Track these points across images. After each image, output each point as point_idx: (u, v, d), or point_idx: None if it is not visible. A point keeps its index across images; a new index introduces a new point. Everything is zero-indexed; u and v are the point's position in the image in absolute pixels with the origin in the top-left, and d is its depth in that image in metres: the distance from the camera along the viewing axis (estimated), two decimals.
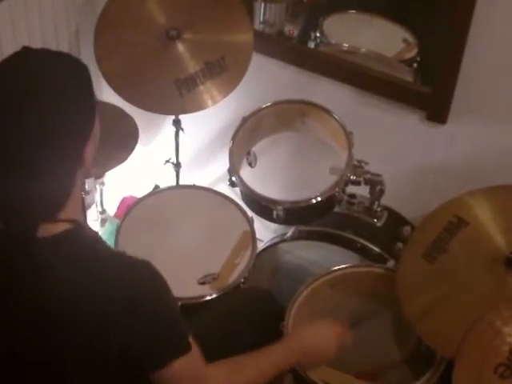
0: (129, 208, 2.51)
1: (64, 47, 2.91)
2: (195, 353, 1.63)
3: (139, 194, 2.62)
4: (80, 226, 1.57)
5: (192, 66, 2.52)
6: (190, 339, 1.62)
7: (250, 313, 2.19)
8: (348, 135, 2.36)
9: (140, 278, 1.56)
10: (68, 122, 1.48)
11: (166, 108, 2.59)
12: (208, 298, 2.24)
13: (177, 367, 1.59)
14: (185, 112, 2.61)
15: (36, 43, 2.77)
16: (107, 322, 1.51)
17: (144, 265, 1.58)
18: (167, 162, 2.92)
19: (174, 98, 2.51)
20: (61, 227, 1.53)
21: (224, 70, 2.52)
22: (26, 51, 1.54)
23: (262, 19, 2.86)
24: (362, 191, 2.49)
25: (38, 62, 1.52)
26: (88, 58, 2.41)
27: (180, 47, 2.52)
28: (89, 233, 1.63)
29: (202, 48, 2.53)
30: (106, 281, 1.52)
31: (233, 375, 1.75)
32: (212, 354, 1.78)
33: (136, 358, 1.56)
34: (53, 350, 1.55)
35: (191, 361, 1.62)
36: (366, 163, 2.39)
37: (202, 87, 2.52)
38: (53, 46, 2.83)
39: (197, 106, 2.55)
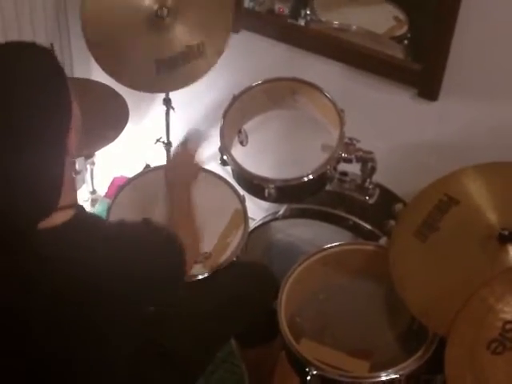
0: (120, 188, 2.49)
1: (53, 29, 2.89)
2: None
3: (130, 174, 2.60)
4: (79, 210, 1.57)
5: (174, 48, 2.51)
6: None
7: (247, 285, 2.21)
8: (339, 113, 2.35)
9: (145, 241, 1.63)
10: (44, 115, 1.45)
11: (144, 85, 2.58)
12: (200, 277, 2.24)
13: None
14: (162, 91, 2.65)
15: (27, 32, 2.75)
16: (126, 298, 1.55)
17: (147, 227, 1.68)
18: (158, 141, 2.91)
19: (152, 75, 2.51)
20: (62, 216, 1.52)
21: (201, 55, 2.52)
22: None
23: None
24: (354, 169, 2.49)
25: (2, 59, 1.48)
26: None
27: (167, 27, 2.51)
28: (87, 213, 1.63)
29: (185, 31, 2.52)
30: (114, 256, 1.54)
31: None
32: (205, 327, 1.82)
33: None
34: (75, 337, 1.55)
35: None
36: (358, 141, 2.38)
37: (180, 68, 2.52)
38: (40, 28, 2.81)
39: (173, 86, 2.58)
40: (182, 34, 2.52)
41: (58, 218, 1.51)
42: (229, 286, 2.19)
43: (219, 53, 2.53)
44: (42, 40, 2.68)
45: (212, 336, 2.06)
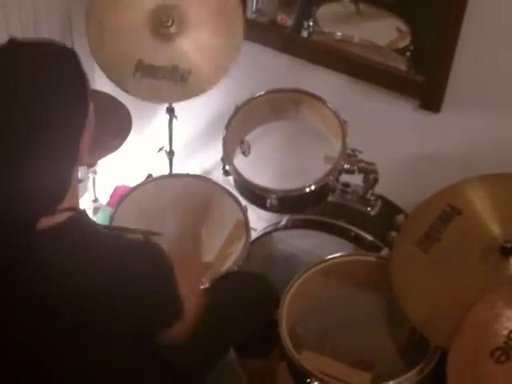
0: (122, 197, 2.50)
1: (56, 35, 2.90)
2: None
3: (132, 183, 2.61)
4: (79, 214, 1.55)
5: (161, 60, 2.51)
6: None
7: (245, 298, 2.20)
8: (342, 124, 2.35)
9: (140, 261, 1.59)
10: (59, 113, 1.44)
11: (119, 79, 2.56)
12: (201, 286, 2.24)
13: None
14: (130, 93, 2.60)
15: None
16: (113, 308, 1.51)
17: (144, 247, 1.63)
18: (160, 150, 2.91)
19: (130, 73, 2.52)
20: (59, 217, 1.51)
21: (183, 81, 2.51)
22: (12, 45, 1.48)
23: (254, 8, 2.85)
24: (356, 180, 2.49)
25: (23, 57, 1.46)
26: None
27: (168, 37, 2.52)
28: (88, 219, 1.62)
29: (182, 50, 2.52)
30: (108, 268, 1.51)
31: None
32: (206, 338, 1.81)
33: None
34: (58, 343, 1.53)
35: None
36: (360, 152, 2.38)
37: (154, 82, 2.52)
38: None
39: (138, 93, 2.55)
40: (176, 52, 2.52)
41: (54, 219, 1.50)
42: (227, 298, 2.18)
43: (199, 91, 2.52)
44: None
45: (212, 347, 2.06)
